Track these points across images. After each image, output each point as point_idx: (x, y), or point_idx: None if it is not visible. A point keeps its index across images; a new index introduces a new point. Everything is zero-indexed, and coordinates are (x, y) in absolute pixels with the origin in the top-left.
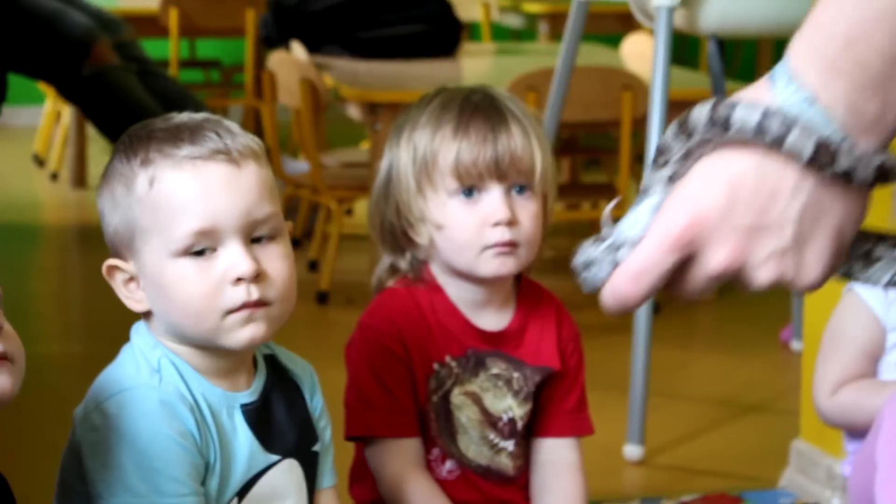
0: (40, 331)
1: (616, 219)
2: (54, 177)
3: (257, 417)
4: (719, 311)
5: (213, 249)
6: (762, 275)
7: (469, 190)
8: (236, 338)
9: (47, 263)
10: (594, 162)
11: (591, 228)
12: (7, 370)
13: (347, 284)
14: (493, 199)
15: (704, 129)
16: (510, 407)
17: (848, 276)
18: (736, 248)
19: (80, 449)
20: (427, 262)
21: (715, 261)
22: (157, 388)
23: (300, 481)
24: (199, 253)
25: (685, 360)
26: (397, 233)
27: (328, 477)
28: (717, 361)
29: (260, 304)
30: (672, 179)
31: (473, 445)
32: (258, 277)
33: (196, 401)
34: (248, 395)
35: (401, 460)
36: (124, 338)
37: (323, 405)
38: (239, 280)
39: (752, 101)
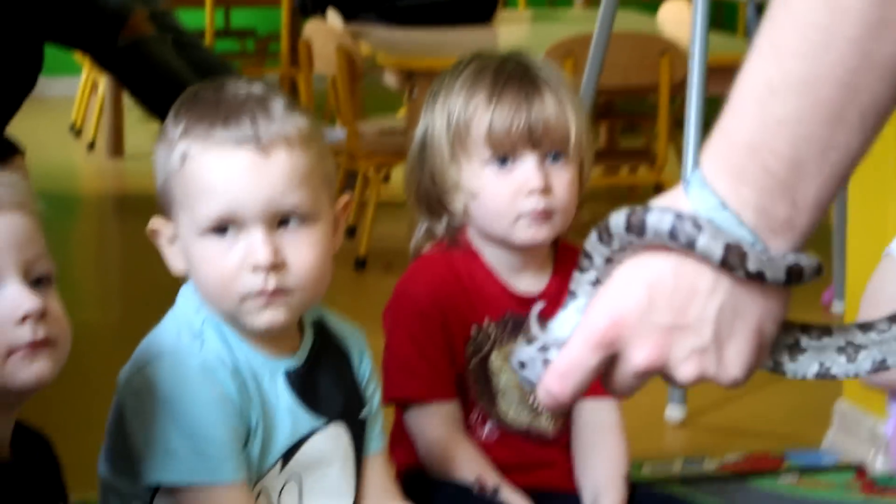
0: (79, 299)
1: (544, 321)
2: (91, 146)
3: (302, 383)
4: None
5: (237, 232)
6: (684, 372)
7: (503, 158)
8: (254, 322)
9: (85, 232)
10: (632, 127)
11: (628, 193)
12: (47, 355)
13: (385, 250)
14: (527, 167)
15: (623, 235)
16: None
17: (775, 369)
18: (656, 346)
19: (123, 412)
20: (463, 228)
21: (637, 359)
22: (196, 353)
23: (347, 447)
24: (222, 235)
25: None
26: (433, 199)
27: (376, 442)
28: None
29: (278, 292)
30: (596, 283)
31: (513, 408)
32: (277, 266)
33: (238, 365)
34: (293, 360)
35: (440, 424)
36: (162, 305)
37: (371, 370)
38: (256, 268)
39: (667, 206)
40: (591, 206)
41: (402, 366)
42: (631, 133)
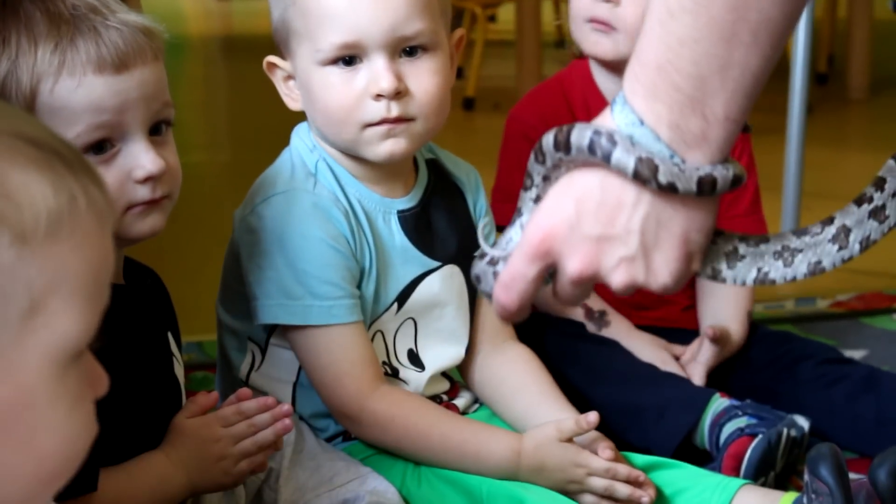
0: (188, 140)
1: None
2: None
3: (415, 223)
4: (873, 109)
5: (360, 60)
6: (615, 279)
7: None
8: (375, 151)
9: (193, 74)
10: None
11: None
12: (161, 209)
13: (493, 90)
14: None
15: (552, 153)
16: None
17: (714, 276)
18: (587, 256)
19: (238, 251)
20: (584, 56)
21: (570, 268)
22: (310, 191)
23: (462, 287)
24: (346, 63)
25: (838, 160)
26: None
27: None
28: (871, 160)
29: (400, 120)
30: (537, 200)
31: None
32: (399, 94)
33: (351, 205)
34: (406, 200)
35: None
36: (269, 146)
37: (487, 208)
38: (379, 95)
39: (593, 124)
40: None
41: (507, 194)
42: None
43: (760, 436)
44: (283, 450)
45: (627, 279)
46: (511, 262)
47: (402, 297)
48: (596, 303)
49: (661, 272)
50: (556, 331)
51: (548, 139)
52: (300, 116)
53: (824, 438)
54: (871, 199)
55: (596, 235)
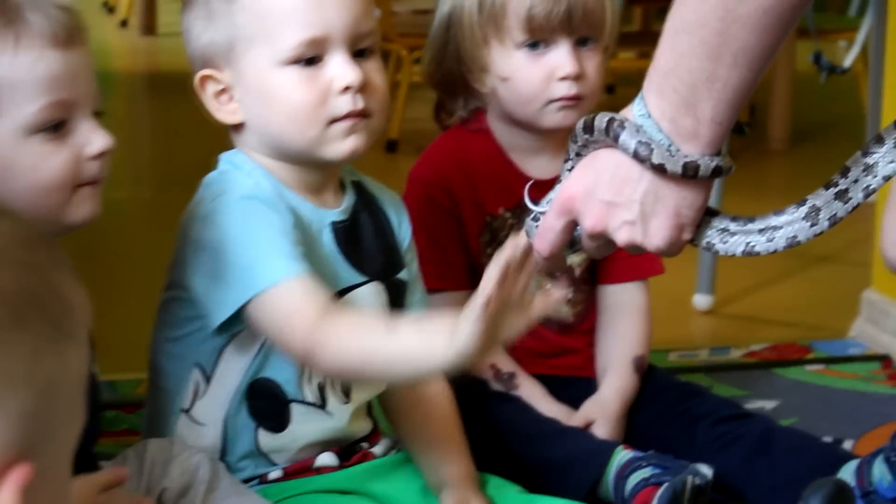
0: (111, 177)
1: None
2: (124, 24)
3: (346, 236)
4: (790, 162)
5: (320, 59)
6: (619, 237)
7: (536, 43)
8: (337, 149)
9: (117, 110)
10: (667, 10)
11: None
12: (97, 193)
13: (416, 133)
14: (561, 53)
15: (581, 134)
16: (566, 256)
17: (709, 248)
18: (597, 216)
19: (183, 266)
20: (481, 110)
21: (586, 224)
22: (251, 187)
23: (386, 306)
24: (307, 62)
25: (756, 211)
26: (456, 80)
27: (418, 307)
28: None
29: (363, 114)
30: (571, 171)
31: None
32: (363, 88)
33: (289, 206)
34: (339, 213)
35: (449, 312)
36: (192, 183)
37: (411, 238)
38: (346, 89)
39: (611, 114)
40: (622, 91)
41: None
42: (664, 16)
43: (666, 484)
44: (195, 488)
45: (628, 238)
46: (545, 217)
47: None
48: (505, 364)
49: (656, 236)
50: (461, 386)
51: (579, 123)
52: (224, 149)
53: (726, 490)
54: (836, 184)
55: (607, 201)
